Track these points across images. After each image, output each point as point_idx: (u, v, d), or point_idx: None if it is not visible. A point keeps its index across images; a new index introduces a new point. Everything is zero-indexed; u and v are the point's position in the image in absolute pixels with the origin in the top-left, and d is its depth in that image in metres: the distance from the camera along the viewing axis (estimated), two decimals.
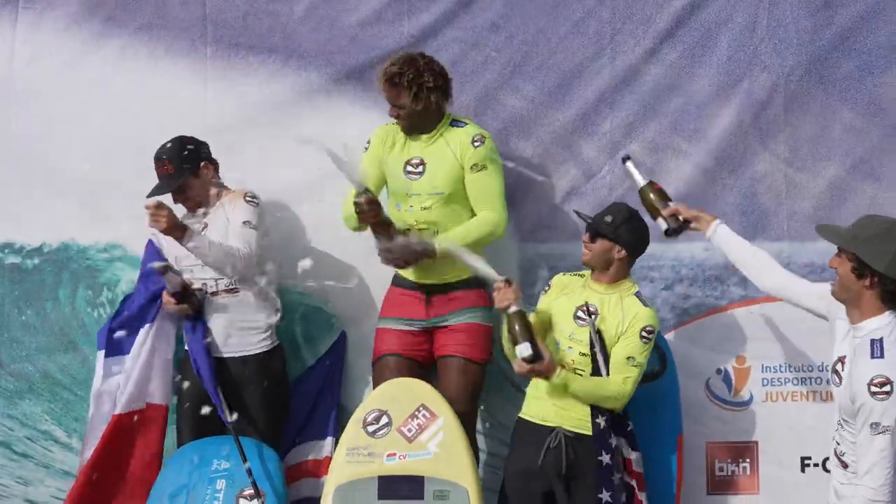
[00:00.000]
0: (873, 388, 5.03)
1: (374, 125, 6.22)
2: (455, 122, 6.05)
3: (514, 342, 5.61)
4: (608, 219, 5.81)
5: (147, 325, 5.98)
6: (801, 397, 6.30)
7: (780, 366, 6.30)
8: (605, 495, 5.67)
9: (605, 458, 5.70)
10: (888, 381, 5.01)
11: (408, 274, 6.05)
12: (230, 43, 6.34)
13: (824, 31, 6.34)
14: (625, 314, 5.76)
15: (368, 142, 6.10)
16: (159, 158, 6.02)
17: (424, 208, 5.98)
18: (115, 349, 6.02)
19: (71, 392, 6.31)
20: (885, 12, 6.33)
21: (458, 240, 5.93)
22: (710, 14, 6.33)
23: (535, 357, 5.58)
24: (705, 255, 6.33)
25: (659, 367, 6.08)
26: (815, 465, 6.25)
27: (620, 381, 5.70)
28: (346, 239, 6.23)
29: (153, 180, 6.18)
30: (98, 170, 6.32)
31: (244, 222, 5.98)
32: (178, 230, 5.85)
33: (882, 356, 5.04)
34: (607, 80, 6.33)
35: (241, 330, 6.03)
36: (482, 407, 6.20)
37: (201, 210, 6.04)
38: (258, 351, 6.05)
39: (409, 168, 6.01)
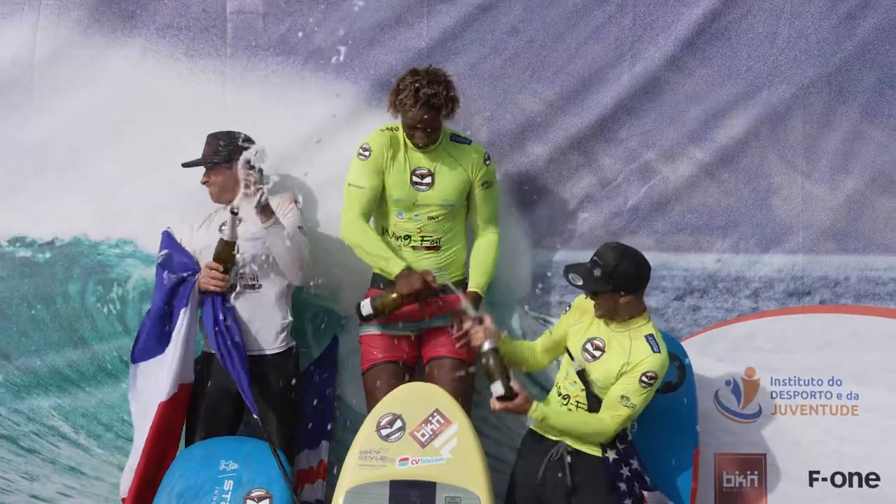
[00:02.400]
0: None
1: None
2: (456, 137, 6.05)
3: (490, 380, 5.65)
4: (597, 273, 5.66)
5: (183, 309, 5.92)
6: (811, 411, 6.31)
7: (790, 379, 6.31)
8: None
9: (622, 486, 5.68)
10: None
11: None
12: (250, 43, 6.31)
13: (845, 42, 6.31)
14: (632, 356, 5.69)
15: (367, 149, 6.01)
16: (214, 136, 6.04)
17: (431, 218, 6.00)
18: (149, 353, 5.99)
19: (79, 388, 6.29)
20: None
21: (489, 275, 6.01)
22: (731, 23, 6.31)
23: (508, 396, 5.62)
24: (717, 266, 6.33)
25: (677, 378, 6.08)
26: (824, 479, 6.27)
27: (608, 418, 5.67)
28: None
29: (167, 177, 6.21)
30: (112, 166, 6.30)
31: (300, 227, 6.01)
32: (266, 210, 5.86)
33: None
34: (626, 86, 6.31)
35: (261, 328, 6.01)
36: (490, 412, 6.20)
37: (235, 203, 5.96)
38: (276, 351, 6.05)
39: (416, 178, 6.00)
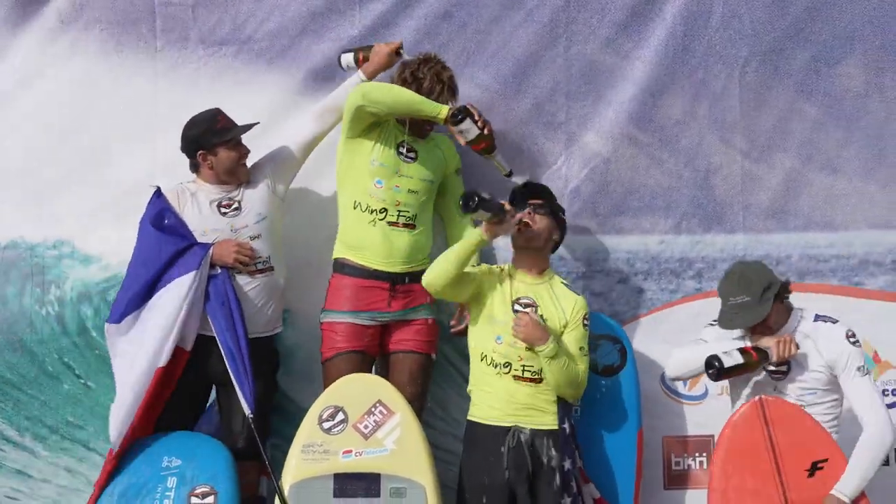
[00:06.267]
0: (851, 340, 5.63)
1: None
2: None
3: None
4: (546, 208, 5.80)
5: (192, 272, 5.79)
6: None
7: None
8: (567, 501, 5.64)
9: (567, 464, 5.67)
10: (854, 334, 5.66)
11: (371, 261, 5.97)
12: (180, 36, 6.25)
13: (779, 21, 6.31)
14: (563, 305, 5.75)
15: None
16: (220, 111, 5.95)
17: (411, 191, 5.98)
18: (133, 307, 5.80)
19: (21, 391, 6.21)
20: (839, 3, 6.31)
21: None
22: (666, 4, 6.28)
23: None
24: (660, 248, 6.30)
25: (619, 361, 6.06)
26: None
27: (583, 369, 5.71)
28: (298, 231, 6.18)
29: (102, 177, 6.16)
30: (47, 166, 6.22)
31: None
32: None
33: (836, 321, 5.69)
34: (562, 69, 6.28)
35: (272, 311, 5.94)
36: (434, 402, 6.15)
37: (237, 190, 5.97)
38: (276, 332, 5.99)
39: (402, 151, 6.00)
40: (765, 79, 6.29)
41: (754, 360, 5.55)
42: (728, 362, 5.53)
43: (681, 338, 6.21)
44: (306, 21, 6.26)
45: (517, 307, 5.72)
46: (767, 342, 5.59)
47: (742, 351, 5.56)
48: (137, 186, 6.03)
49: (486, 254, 6.18)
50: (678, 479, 6.27)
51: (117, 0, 6.22)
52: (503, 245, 6.18)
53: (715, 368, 5.53)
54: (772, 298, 5.61)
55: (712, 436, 6.24)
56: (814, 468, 5.53)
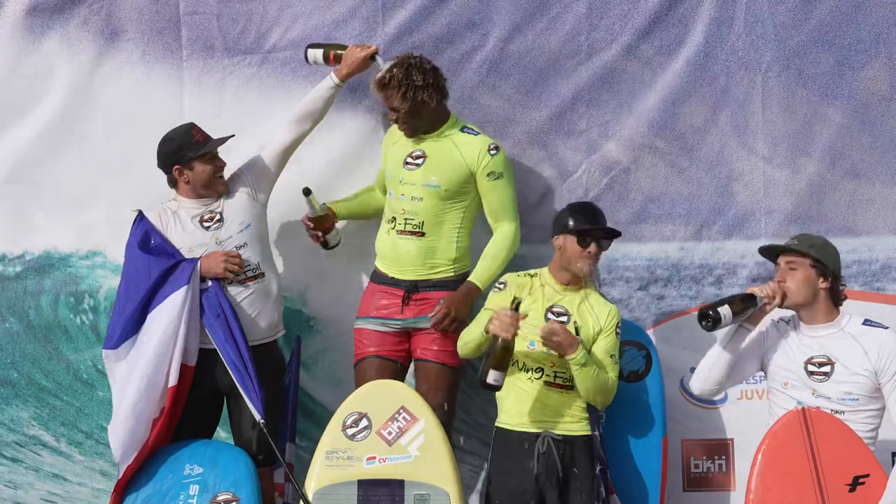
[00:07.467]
0: None
1: (350, 125, 6.24)
2: (467, 129, 6.06)
3: (492, 366, 5.56)
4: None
5: (183, 288, 5.85)
6: None
7: None
8: None
9: (596, 471, 5.71)
10: None
11: (387, 269, 6.07)
12: (205, 45, 6.32)
13: (802, 25, 6.26)
14: (597, 312, 5.79)
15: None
16: (195, 125, 5.99)
17: (415, 198, 6.00)
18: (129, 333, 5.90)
19: (57, 398, 6.37)
20: (864, 6, 6.25)
21: (494, 269, 5.99)
22: (687, 10, 6.26)
23: (498, 387, 5.62)
24: (680, 255, 6.32)
25: (644, 367, 6.11)
26: None
27: (614, 377, 5.76)
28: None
29: (132, 187, 6.27)
30: (78, 177, 6.33)
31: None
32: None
33: (887, 328, 5.59)
34: (584, 77, 6.28)
35: (267, 317, 5.98)
36: (458, 406, 6.20)
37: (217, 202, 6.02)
38: (274, 338, 6.03)
39: (409, 160, 6.05)
40: (788, 84, 6.26)
41: (738, 302, 5.54)
42: (717, 311, 5.53)
43: (701, 345, 6.25)
44: (330, 29, 6.30)
45: (550, 315, 5.77)
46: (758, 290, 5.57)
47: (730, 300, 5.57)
48: (166, 196, 6.11)
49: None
50: (697, 482, 6.31)
51: (143, 10, 6.30)
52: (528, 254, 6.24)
53: (708, 318, 5.54)
54: (819, 274, 5.56)
55: (731, 439, 6.30)
56: (855, 483, 5.43)
